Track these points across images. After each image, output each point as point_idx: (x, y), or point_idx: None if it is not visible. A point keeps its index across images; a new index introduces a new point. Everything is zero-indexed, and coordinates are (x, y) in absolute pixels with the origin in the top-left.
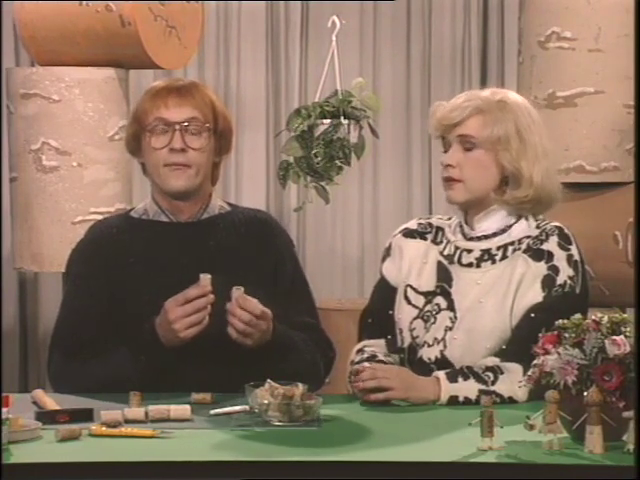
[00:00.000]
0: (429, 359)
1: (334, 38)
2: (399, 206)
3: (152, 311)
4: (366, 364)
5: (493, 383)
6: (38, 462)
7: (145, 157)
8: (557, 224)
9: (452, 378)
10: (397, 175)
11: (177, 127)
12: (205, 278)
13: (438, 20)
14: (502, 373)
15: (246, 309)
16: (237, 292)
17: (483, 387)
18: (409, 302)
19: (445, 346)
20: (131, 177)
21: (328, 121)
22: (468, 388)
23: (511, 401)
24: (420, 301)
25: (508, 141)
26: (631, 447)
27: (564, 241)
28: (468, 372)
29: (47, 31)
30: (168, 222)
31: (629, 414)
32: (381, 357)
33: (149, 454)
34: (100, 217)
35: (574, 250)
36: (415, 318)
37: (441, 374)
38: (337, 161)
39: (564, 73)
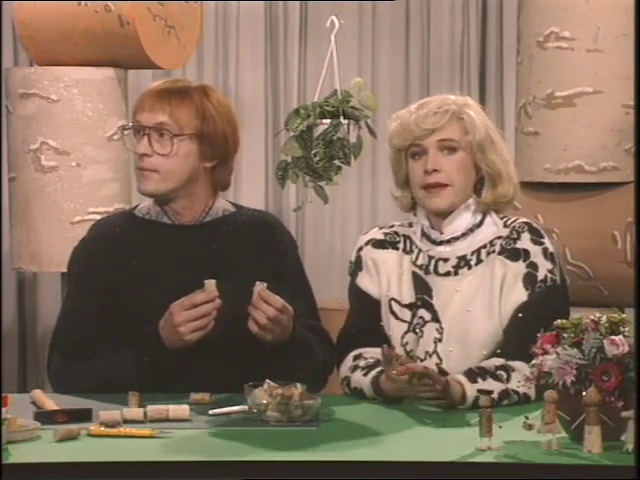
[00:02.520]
0: None
1: (333, 38)
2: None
3: (153, 312)
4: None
5: (508, 381)
6: (37, 462)
7: None
8: (525, 220)
9: (472, 379)
10: None
11: (146, 131)
12: (210, 283)
13: (437, 20)
14: (513, 371)
15: (270, 303)
16: (260, 286)
17: (502, 385)
18: (396, 317)
19: (440, 359)
20: (130, 177)
21: (328, 121)
22: (489, 388)
23: (526, 398)
24: (406, 315)
25: (485, 144)
26: (630, 447)
27: (536, 236)
28: (483, 373)
29: (46, 31)
30: (170, 224)
31: (628, 414)
32: None
33: (148, 454)
34: (99, 217)
35: (547, 243)
36: (406, 332)
37: (462, 378)
38: (336, 161)
39: (563, 73)
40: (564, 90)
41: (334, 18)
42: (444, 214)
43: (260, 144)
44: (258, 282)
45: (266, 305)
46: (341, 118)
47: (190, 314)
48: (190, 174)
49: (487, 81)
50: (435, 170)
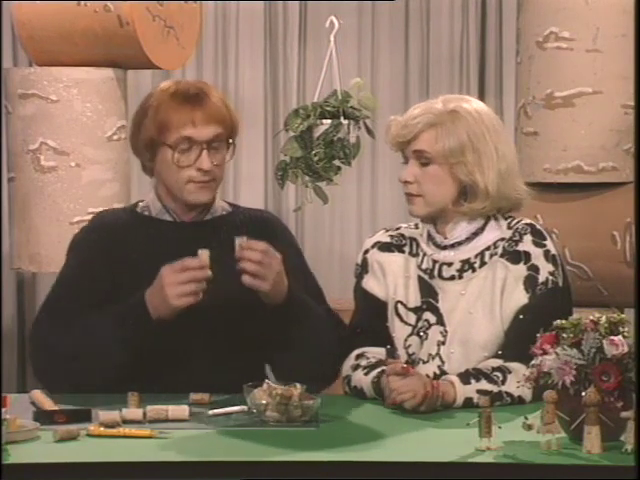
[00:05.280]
0: (427, 376)
1: (332, 38)
2: (397, 206)
3: None
4: (395, 377)
5: (503, 383)
6: (36, 462)
7: (164, 169)
8: (528, 221)
9: (465, 380)
10: (395, 175)
11: (204, 146)
12: (203, 253)
13: (436, 20)
14: (510, 372)
15: (252, 247)
16: (239, 239)
17: (495, 387)
18: (401, 320)
19: (442, 361)
20: (129, 177)
21: (329, 121)
22: (482, 389)
23: (520, 400)
24: (411, 318)
25: (462, 153)
26: (629, 447)
27: (538, 238)
28: (478, 374)
29: (45, 31)
30: (171, 221)
31: (627, 414)
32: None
33: (147, 454)
34: None
35: (549, 245)
36: (410, 335)
37: (454, 378)
38: (336, 161)
39: (562, 73)
40: (563, 90)
41: (333, 18)
42: (440, 219)
43: (260, 144)
44: (237, 237)
45: (250, 251)
46: (341, 118)
47: (180, 277)
48: None
49: (486, 81)
50: (407, 182)
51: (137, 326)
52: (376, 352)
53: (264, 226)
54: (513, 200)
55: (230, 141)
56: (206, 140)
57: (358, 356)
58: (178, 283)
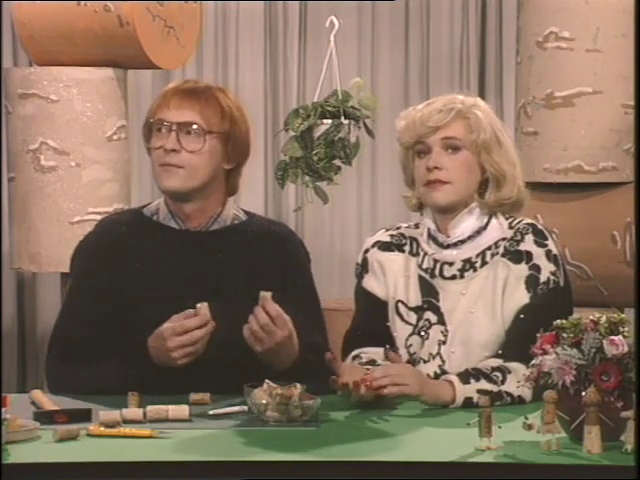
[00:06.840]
0: (427, 375)
1: (332, 38)
2: (397, 205)
3: (152, 317)
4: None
5: (502, 382)
6: (36, 462)
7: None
8: (529, 221)
9: (464, 380)
10: (395, 174)
11: (174, 128)
12: (202, 307)
13: (436, 20)
14: (509, 372)
15: (265, 310)
16: (263, 294)
17: (494, 387)
18: (402, 319)
19: (443, 361)
20: (129, 177)
21: (329, 121)
22: (481, 389)
23: (520, 400)
24: (412, 317)
25: (490, 144)
26: (629, 447)
27: (540, 237)
28: (477, 373)
29: (45, 31)
30: (177, 229)
31: (627, 414)
32: (380, 362)
33: (147, 454)
34: (98, 217)
35: (551, 244)
36: (411, 335)
37: (453, 377)
38: (336, 161)
39: (562, 73)
40: (563, 90)
41: (333, 18)
42: (447, 215)
43: (260, 144)
44: (262, 291)
45: (261, 312)
46: (342, 118)
47: (182, 340)
48: (213, 174)
49: (487, 81)
50: (436, 167)
51: (141, 371)
52: (372, 352)
53: (274, 242)
54: (526, 196)
55: (207, 129)
56: (176, 122)
57: (354, 357)
58: (182, 346)
